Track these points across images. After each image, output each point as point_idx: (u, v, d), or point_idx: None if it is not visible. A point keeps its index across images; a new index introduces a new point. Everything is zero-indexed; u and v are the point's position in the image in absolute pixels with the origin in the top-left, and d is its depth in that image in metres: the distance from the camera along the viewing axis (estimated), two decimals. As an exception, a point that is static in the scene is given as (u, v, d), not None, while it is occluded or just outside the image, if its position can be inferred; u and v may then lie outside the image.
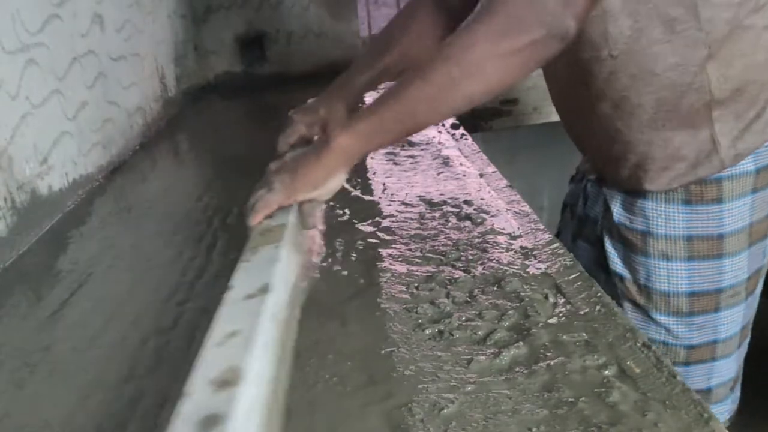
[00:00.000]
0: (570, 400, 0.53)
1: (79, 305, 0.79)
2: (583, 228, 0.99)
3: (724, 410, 0.93)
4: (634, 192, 0.86)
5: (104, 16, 1.35)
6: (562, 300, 0.68)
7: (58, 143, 1.09)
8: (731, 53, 0.74)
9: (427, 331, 0.65)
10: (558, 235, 1.06)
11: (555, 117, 0.99)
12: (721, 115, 0.77)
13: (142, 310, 0.76)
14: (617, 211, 0.88)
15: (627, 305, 0.89)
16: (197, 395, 0.41)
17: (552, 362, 0.58)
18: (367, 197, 1.05)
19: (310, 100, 0.91)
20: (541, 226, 0.85)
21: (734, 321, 0.87)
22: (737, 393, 0.96)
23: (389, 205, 1.00)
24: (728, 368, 0.90)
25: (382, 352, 0.63)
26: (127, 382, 0.63)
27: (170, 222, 1.05)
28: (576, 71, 0.81)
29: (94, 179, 1.22)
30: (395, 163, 1.19)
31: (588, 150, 0.92)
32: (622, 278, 0.89)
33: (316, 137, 0.91)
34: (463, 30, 0.66)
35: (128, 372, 0.64)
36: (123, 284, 0.83)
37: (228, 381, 0.42)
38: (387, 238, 0.88)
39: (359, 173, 1.14)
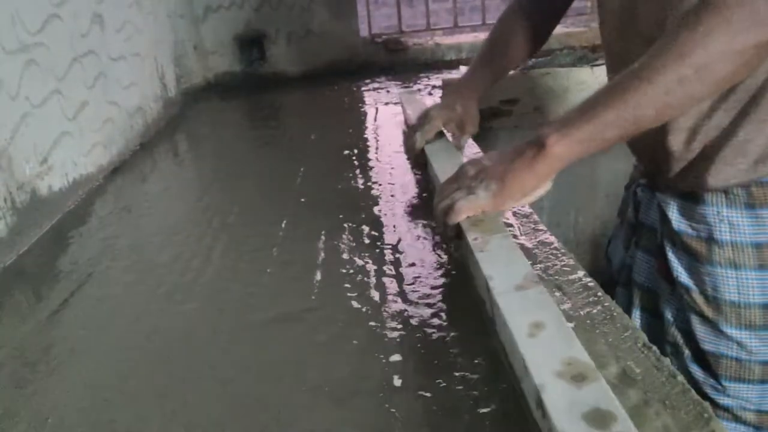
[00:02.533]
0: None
1: (79, 305, 0.79)
2: (638, 236, 0.93)
3: None
4: (689, 195, 0.81)
5: (104, 16, 1.35)
6: (563, 300, 0.68)
7: (58, 143, 1.09)
8: None
9: (428, 331, 0.65)
10: (609, 243, 1.04)
11: (555, 117, 0.99)
12: None
13: (142, 310, 0.76)
14: (675, 218, 0.83)
15: (694, 318, 0.82)
16: (559, 389, 0.41)
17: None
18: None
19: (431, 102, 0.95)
20: (541, 227, 0.85)
21: None
22: None
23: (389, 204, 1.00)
24: None
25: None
26: (126, 382, 0.63)
27: (170, 222, 1.05)
28: None
29: (94, 179, 1.22)
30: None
31: (648, 148, 0.85)
32: (687, 289, 0.83)
33: (450, 133, 0.97)
34: (692, 25, 0.59)
35: (128, 372, 0.64)
36: (123, 284, 0.83)
37: (583, 375, 0.42)
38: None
39: (361, 171, 1.14)
